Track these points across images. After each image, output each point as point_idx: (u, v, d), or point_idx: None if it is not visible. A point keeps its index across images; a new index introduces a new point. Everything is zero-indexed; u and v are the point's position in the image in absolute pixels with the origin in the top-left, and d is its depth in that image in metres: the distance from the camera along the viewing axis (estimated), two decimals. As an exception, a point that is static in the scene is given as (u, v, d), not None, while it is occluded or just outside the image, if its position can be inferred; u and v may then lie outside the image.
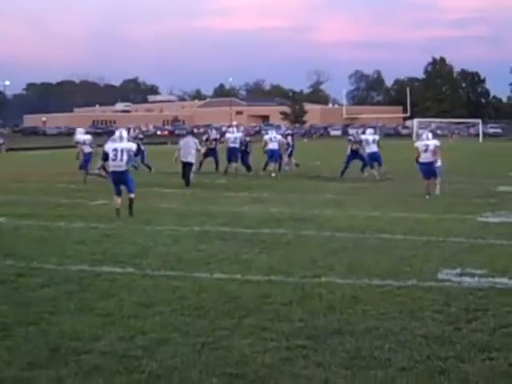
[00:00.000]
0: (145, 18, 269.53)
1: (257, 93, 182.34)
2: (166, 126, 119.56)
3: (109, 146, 16.21)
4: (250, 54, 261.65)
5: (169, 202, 18.93)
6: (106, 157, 16.16)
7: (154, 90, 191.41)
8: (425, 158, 20.13)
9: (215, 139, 30.29)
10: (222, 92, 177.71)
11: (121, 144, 16.08)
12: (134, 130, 36.27)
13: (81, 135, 25.84)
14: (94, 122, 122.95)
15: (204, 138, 30.23)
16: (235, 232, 13.73)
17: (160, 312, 8.05)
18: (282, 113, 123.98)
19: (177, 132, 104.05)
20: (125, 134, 16.57)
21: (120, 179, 16.03)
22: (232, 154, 29.38)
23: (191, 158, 24.31)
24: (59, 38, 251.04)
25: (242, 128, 34.63)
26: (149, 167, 30.66)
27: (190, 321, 7.73)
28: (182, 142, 25.08)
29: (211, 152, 29.45)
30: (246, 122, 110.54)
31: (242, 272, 10.08)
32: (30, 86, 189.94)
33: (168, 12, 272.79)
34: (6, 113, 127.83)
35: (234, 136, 29.84)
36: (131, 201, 15.82)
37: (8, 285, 9.43)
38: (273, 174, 28.09)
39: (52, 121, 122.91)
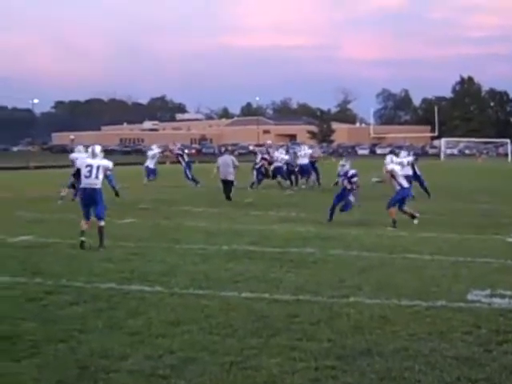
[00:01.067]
0: (172, 36, 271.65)
1: (284, 111, 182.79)
2: (194, 145, 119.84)
3: (81, 162, 14.95)
4: (277, 72, 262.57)
5: (197, 220, 18.96)
6: (78, 173, 14.43)
7: (181, 109, 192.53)
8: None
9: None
10: (249, 111, 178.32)
11: (95, 161, 14.55)
12: (175, 144, 37.23)
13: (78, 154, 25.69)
14: (121, 140, 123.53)
15: (263, 156, 32.61)
16: (263, 251, 13.72)
17: (188, 331, 8.05)
18: (309, 132, 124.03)
19: (204, 151, 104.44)
20: (98, 149, 14.85)
21: (92, 198, 14.31)
22: (278, 171, 32.04)
23: (231, 177, 25.61)
24: (87, 56, 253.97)
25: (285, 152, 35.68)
26: (195, 181, 32.27)
27: (219, 340, 7.72)
28: (220, 160, 26.31)
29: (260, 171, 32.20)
30: (274, 140, 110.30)
31: (270, 291, 10.07)
32: (59, 104, 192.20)
33: (195, 30, 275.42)
34: (34, 131, 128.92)
35: (281, 157, 32.56)
36: (101, 230, 14.12)
37: (37, 302, 9.49)
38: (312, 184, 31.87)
39: (80, 139, 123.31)
